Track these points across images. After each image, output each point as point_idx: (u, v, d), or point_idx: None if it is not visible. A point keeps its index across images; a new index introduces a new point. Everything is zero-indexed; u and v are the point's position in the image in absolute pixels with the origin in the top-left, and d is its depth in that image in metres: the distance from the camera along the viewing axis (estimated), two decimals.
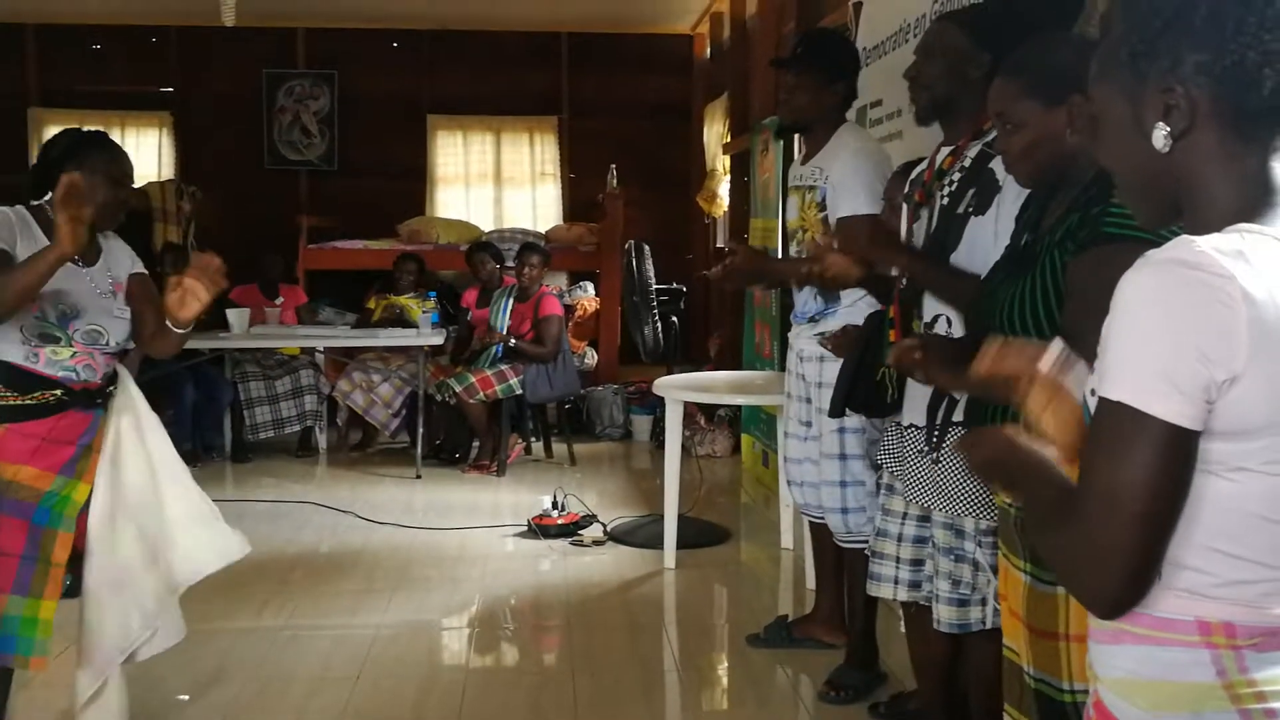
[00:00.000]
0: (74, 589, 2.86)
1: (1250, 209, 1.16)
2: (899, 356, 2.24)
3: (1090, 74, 1.28)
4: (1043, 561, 1.84)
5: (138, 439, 2.93)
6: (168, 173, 9.01)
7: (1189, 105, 1.17)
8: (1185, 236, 1.13)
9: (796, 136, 4.00)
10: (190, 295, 2.78)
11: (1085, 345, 1.33)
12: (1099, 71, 1.26)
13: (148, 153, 9.09)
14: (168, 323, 2.86)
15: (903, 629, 3.04)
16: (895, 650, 3.51)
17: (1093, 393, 1.17)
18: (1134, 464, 1.10)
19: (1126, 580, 1.13)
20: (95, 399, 2.85)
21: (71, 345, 2.78)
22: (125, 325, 2.90)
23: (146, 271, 3.03)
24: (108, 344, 2.85)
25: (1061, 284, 1.93)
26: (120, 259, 2.97)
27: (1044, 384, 1.38)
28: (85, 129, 2.98)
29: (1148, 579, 1.14)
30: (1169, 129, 1.18)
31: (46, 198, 2.75)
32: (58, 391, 2.76)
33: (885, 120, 4.34)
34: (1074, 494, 1.18)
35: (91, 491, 2.84)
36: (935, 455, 2.55)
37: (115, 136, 9.00)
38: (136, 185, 7.57)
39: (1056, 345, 1.38)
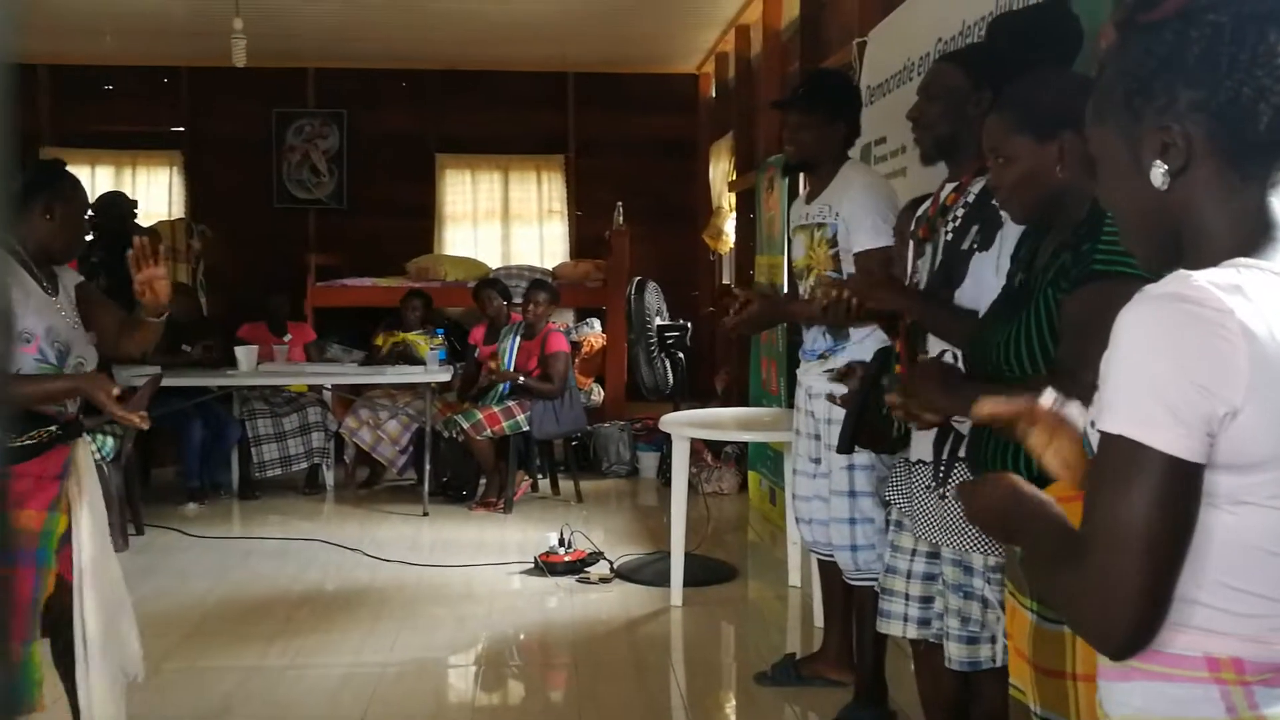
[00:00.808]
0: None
1: (1248, 244, 1.17)
2: (896, 405, 2.25)
3: (1086, 117, 1.28)
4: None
5: (91, 465, 2.94)
6: (178, 211, 9.07)
7: (1186, 142, 1.18)
8: (1183, 271, 1.13)
9: (797, 175, 4.04)
10: (153, 282, 2.77)
11: (1081, 381, 1.33)
12: (1094, 114, 1.27)
13: (158, 191, 9.16)
14: (148, 318, 2.84)
15: (912, 667, 3.02)
16: (904, 688, 3.48)
17: (1093, 425, 1.18)
18: (1138, 498, 1.10)
19: (1137, 618, 1.12)
20: (78, 431, 2.86)
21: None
22: (94, 350, 2.90)
23: (84, 278, 3.03)
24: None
25: (1056, 322, 1.94)
26: (67, 281, 2.94)
27: (1045, 421, 1.38)
28: (42, 158, 2.99)
29: (1159, 616, 1.13)
30: (1167, 166, 1.19)
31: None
32: (52, 428, 2.75)
33: (890, 157, 4.36)
34: (1077, 535, 1.18)
35: (70, 523, 2.81)
36: (942, 491, 2.54)
37: (127, 175, 9.22)
38: (147, 224, 7.69)
39: (1050, 393, 1.39)
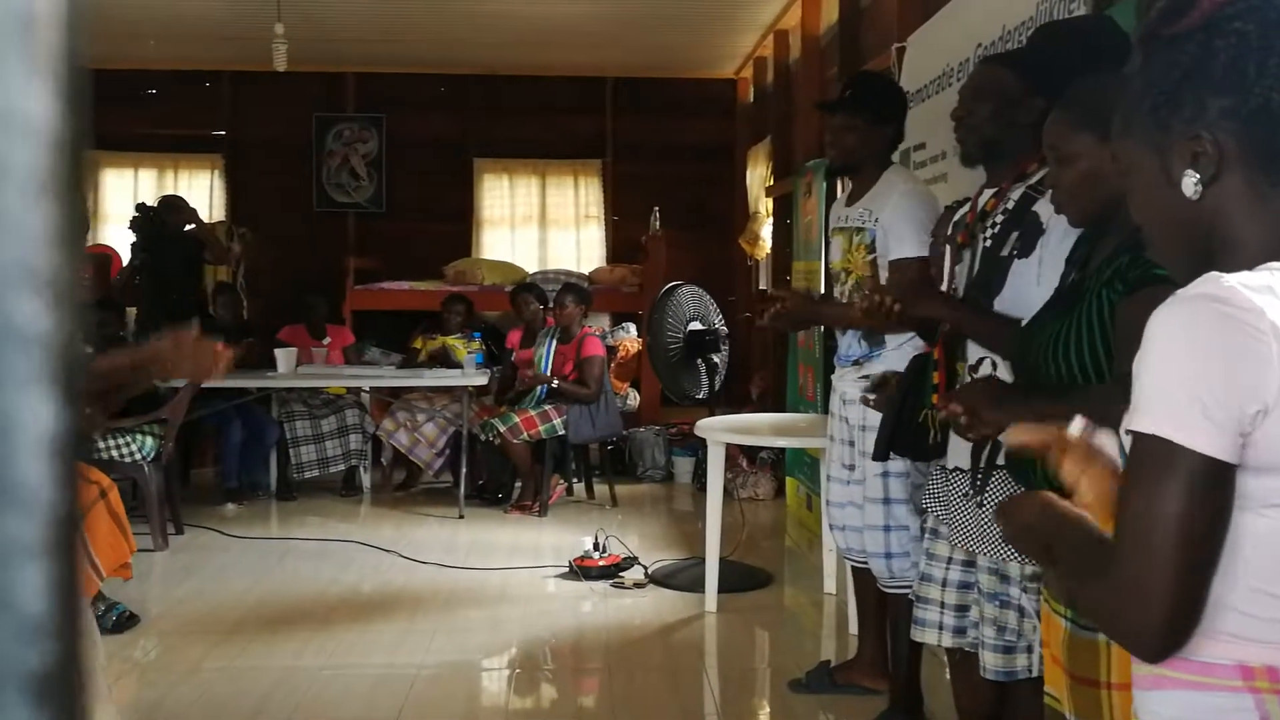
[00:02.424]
0: None
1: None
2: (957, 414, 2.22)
3: (1113, 132, 1.29)
4: None
5: None
6: (218, 215, 9.17)
7: (1216, 150, 1.17)
8: (1214, 273, 1.13)
9: (840, 178, 4.02)
10: (199, 365, 2.38)
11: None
12: (1122, 129, 1.27)
13: (199, 195, 9.26)
14: (152, 375, 2.46)
15: (947, 676, 3.01)
16: (940, 697, 3.46)
17: (1128, 432, 1.17)
18: (1169, 498, 1.09)
19: (1169, 620, 1.11)
20: None
21: None
22: None
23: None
24: None
25: (1108, 324, 1.92)
26: None
27: (1075, 449, 1.37)
28: None
29: (1192, 618, 1.12)
30: (1198, 176, 1.18)
31: None
32: None
33: (929, 163, 4.34)
34: (1108, 550, 1.17)
35: None
36: (979, 499, 2.53)
37: (168, 179, 9.33)
38: (189, 227, 7.78)
39: (1079, 420, 1.38)
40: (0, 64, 0.29)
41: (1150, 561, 1.10)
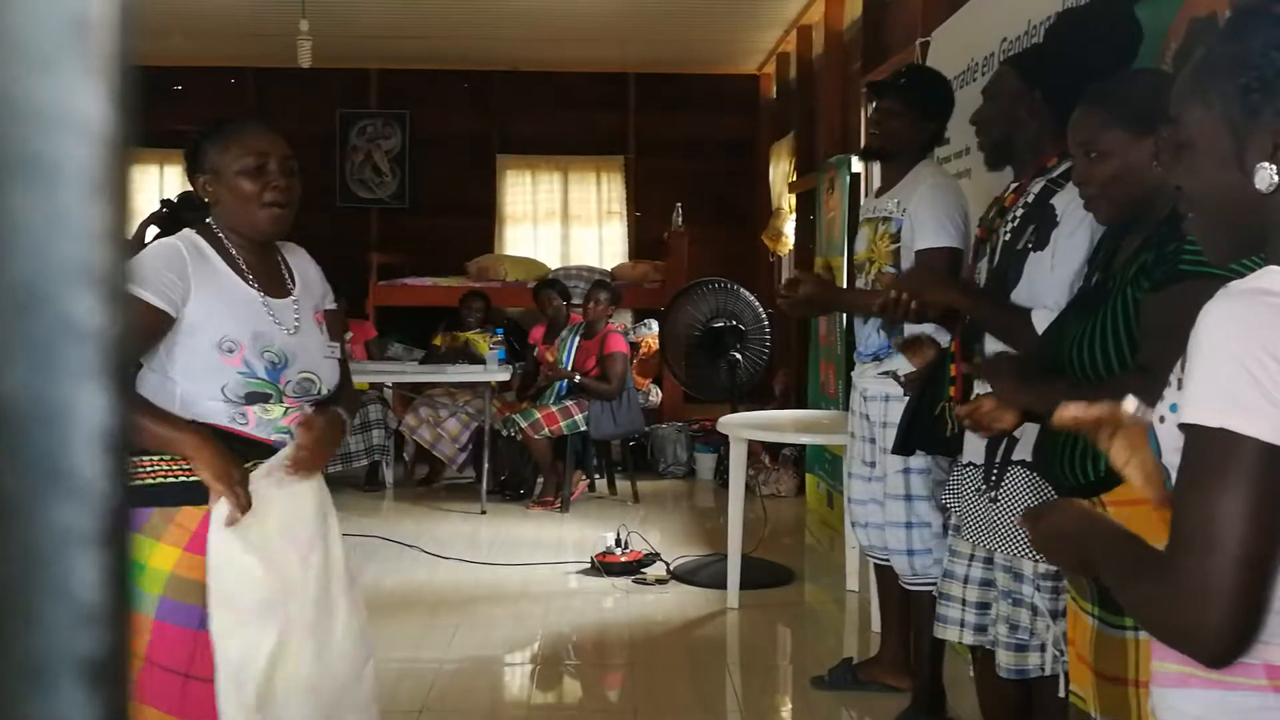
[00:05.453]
0: None
1: None
2: (971, 416, 2.21)
3: (1180, 96, 1.22)
4: (1111, 605, 1.81)
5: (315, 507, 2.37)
6: None
7: None
8: (1270, 267, 1.11)
9: (871, 162, 4.01)
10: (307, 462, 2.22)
11: (1163, 383, 1.32)
12: (1197, 96, 1.20)
13: None
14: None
15: (970, 673, 3.00)
16: (963, 695, 3.46)
17: (1160, 420, 1.16)
18: (1231, 490, 1.05)
19: (1236, 620, 1.06)
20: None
21: (283, 401, 2.19)
22: (336, 366, 2.31)
23: (335, 305, 2.46)
24: (320, 393, 2.27)
25: (1133, 322, 1.91)
26: (311, 278, 2.38)
27: (1128, 431, 1.36)
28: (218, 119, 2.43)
29: (1259, 617, 1.07)
30: (1275, 169, 1.14)
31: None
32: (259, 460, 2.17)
33: (954, 158, 4.33)
34: (1158, 551, 1.15)
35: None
36: (993, 495, 2.52)
37: None
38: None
39: (1131, 400, 1.37)
40: (56, 66, 0.29)
41: (1214, 558, 1.06)
